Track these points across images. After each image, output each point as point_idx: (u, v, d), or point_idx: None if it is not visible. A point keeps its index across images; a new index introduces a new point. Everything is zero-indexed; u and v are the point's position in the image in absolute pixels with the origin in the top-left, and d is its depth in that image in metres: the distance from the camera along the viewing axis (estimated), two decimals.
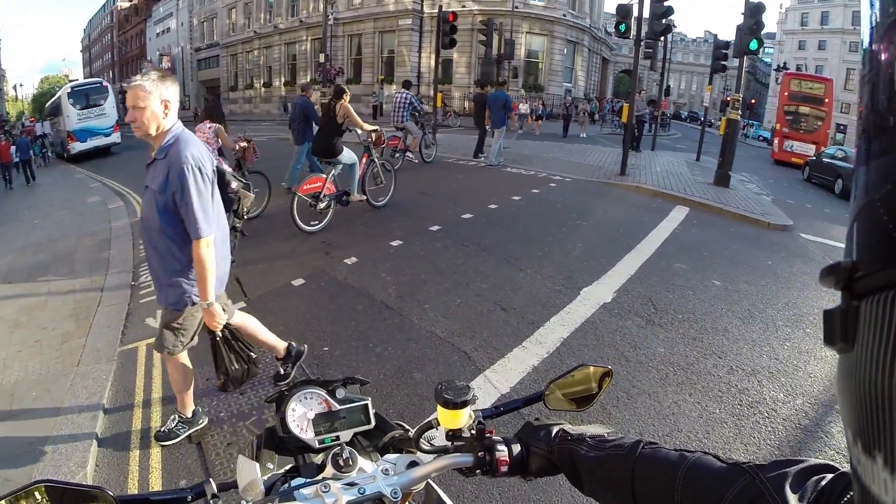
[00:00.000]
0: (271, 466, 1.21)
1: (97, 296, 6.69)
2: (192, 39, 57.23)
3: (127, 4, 75.10)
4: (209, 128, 8.60)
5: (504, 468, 1.03)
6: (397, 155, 11.51)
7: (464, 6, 32.28)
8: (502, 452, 1.04)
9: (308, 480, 1.09)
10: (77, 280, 7.49)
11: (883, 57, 0.37)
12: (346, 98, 7.85)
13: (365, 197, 8.39)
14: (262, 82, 47.36)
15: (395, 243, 7.21)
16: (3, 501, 0.92)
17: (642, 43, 13.15)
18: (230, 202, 3.96)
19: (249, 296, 5.42)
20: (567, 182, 10.87)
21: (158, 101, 3.04)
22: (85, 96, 25.92)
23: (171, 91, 3.09)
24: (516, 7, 29.76)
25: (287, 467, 1.20)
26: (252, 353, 3.55)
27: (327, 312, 5.37)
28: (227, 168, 4.47)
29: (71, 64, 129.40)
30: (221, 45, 51.55)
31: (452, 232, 7.54)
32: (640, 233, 7.83)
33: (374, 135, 8.26)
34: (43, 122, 37.64)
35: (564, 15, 33.53)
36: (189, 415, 3.66)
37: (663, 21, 12.72)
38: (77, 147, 24.51)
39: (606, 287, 5.54)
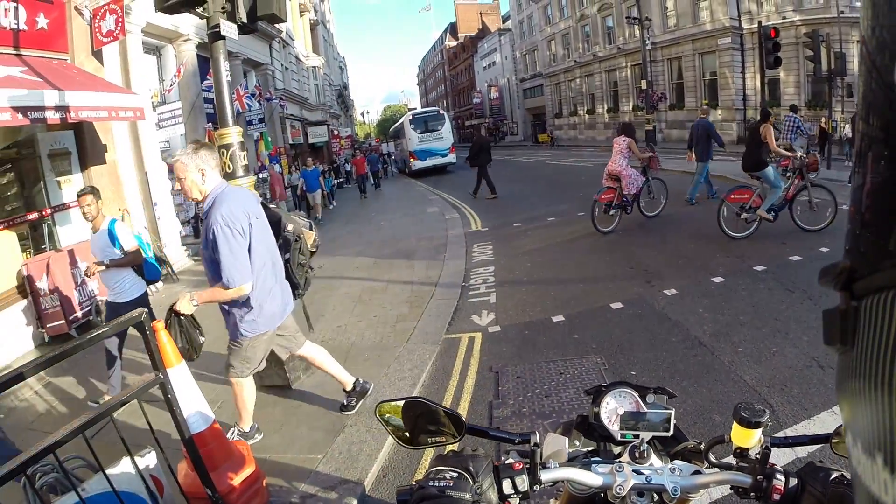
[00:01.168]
0: (578, 444, 1.36)
1: (430, 290, 7.83)
2: (517, 71, 60.73)
3: (454, 43, 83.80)
4: (623, 140, 10.63)
5: (777, 497, 1.09)
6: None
7: (784, 18, 28.84)
8: (779, 482, 1.10)
9: (605, 460, 1.25)
10: (415, 274, 8.82)
11: (878, 62, 0.37)
12: (772, 120, 9.20)
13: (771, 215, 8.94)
14: (585, 109, 48.20)
15: (716, 279, 7.16)
16: (384, 403, 1.26)
17: None
18: (288, 243, 4.47)
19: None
20: None
21: (196, 171, 3.52)
22: (424, 122, 30.13)
23: (205, 159, 3.56)
24: (842, 13, 25.75)
25: (589, 449, 1.35)
26: (199, 339, 3.80)
27: (640, 339, 5.61)
28: (283, 212, 4.96)
29: (409, 95, 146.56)
30: (544, 75, 53.78)
31: (778, 274, 7.16)
32: None
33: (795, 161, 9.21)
34: (388, 143, 44.67)
35: None
36: (247, 429, 4.23)
37: None
38: (417, 165, 28.54)
39: None
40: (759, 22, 18.22)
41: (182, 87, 13.86)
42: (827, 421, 3.97)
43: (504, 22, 71.47)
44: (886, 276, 0.37)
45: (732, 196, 8.90)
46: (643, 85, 25.31)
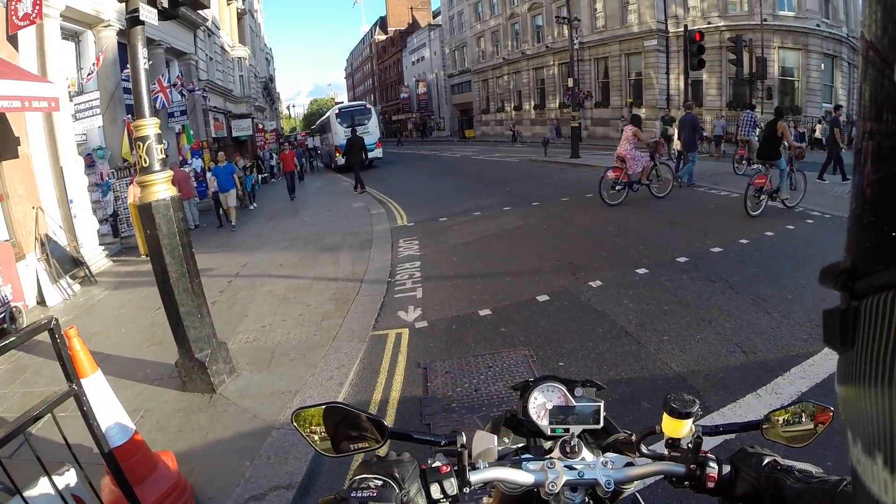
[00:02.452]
0: (507, 441, 1.35)
1: (356, 286, 7.70)
2: (445, 66, 61.24)
3: (384, 37, 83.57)
4: (630, 129, 12.33)
5: (711, 484, 1.10)
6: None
7: (709, 23, 30.27)
8: (713, 469, 1.10)
9: (536, 457, 1.22)
10: (340, 270, 8.65)
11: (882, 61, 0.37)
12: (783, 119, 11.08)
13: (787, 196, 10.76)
14: (512, 106, 49.11)
15: (640, 271, 7.33)
16: (301, 411, 1.18)
17: None
18: None
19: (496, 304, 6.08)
20: (826, 219, 9.95)
21: None
22: (351, 116, 29.87)
23: None
24: (765, 20, 27.17)
25: (518, 445, 1.34)
26: None
27: (567, 331, 5.68)
28: None
29: (336, 88, 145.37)
30: (472, 72, 54.38)
31: (700, 265, 7.42)
32: None
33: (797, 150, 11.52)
34: (313, 137, 44.12)
35: (818, 25, 29.36)
36: None
37: None
38: (343, 160, 27.93)
39: None
40: (685, 26, 18.98)
41: (101, 76, 12.96)
42: (752, 404, 4.10)
43: (434, 17, 71.71)
44: (887, 276, 0.37)
45: (756, 181, 10.30)
46: (570, 83, 25.73)
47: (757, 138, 14.85)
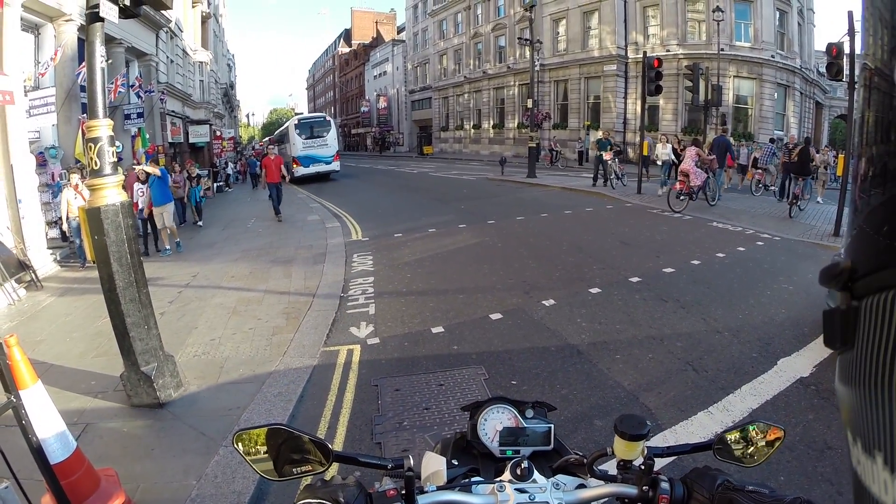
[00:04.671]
0: (456, 463, 1.32)
1: (309, 300, 7.57)
2: (407, 82, 61.33)
3: (347, 50, 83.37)
4: (693, 149, 14.70)
5: None
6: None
7: (668, 50, 31.19)
8: (665, 490, 1.09)
9: (486, 480, 1.20)
10: (292, 284, 8.49)
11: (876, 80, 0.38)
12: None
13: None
14: (471, 124, 49.34)
15: (593, 290, 7.38)
16: (243, 433, 1.13)
17: (857, 85, 11.93)
18: None
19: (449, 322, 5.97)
20: (776, 241, 10.24)
21: None
22: (310, 128, 29.57)
23: None
24: (722, 49, 28.13)
25: (468, 467, 1.30)
26: None
27: (520, 349, 5.66)
28: None
29: (297, 99, 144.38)
30: (434, 88, 54.60)
31: (653, 285, 7.53)
32: None
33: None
34: (271, 147, 43.41)
35: (773, 56, 30.52)
36: None
37: None
38: (300, 171, 27.80)
39: (806, 360, 5.12)
40: (644, 52, 19.38)
41: (59, 72, 12.53)
42: (704, 421, 4.15)
43: (399, 33, 71.85)
44: (886, 276, 0.37)
45: (795, 191, 13.37)
46: (529, 104, 26.04)
47: (775, 165, 17.82)
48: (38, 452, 2.57)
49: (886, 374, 0.35)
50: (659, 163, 18.81)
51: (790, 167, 14.80)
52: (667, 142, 18.86)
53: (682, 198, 14.09)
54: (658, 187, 17.68)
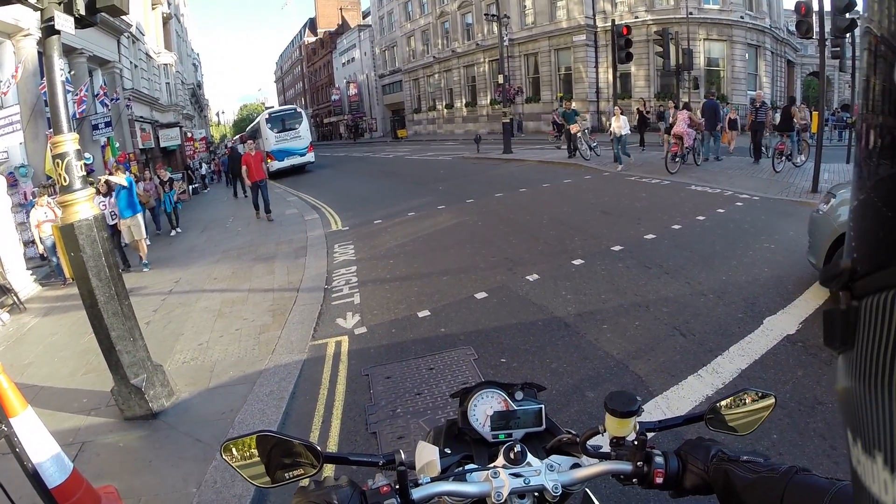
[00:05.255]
0: (449, 451, 1.30)
1: (293, 295, 7.54)
2: (376, 67, 60.82)
3: (313, 39, 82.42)
4: (685, 112, 15.51)
5: (659, 480, 1.09)
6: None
7: (637, 17, 31.15)
8: (659, 465, 1.10)
9: (480, 466, 1.19)
10: (276, 280, 8.45)
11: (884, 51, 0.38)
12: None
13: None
14: (444, 104, 49.14)
15: (577, 262, 7.40)
16: (231, 443, 1.12)
17: (827, 42, 11.98)
18: None
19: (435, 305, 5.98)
20: (755, 201, 10.29)
21: None
22: (281, 121, 29.19)
23: None
24: (690, 13, 28.17)
25: (462, 455, 1.30)
26: None
27: (507, 326, 5.67)
28: None
29: (266, 93, 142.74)
30: (403, 71, 54.21)
31: (635, 252, 7.55)
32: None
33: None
34: (244, 145, 42.87)
35: (742, 17, 30.65)
36: None
37: (846, 16, 11.27)
38: (275, 165, 27.42)
39: (792, 317, 5.14)
40: (613, 21, 19.48)
41: (21, 89, 12.26)
42: (694, 385, 4.18)
43: (364, 18, 70.99)
44: (887, 276, 0.37)
45: (778, 146, 14.14)
46: (500, 80, 25.90)
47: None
48: (34, 478, 2.55)
49: (886, 374, 0.35)
50: (613, 136, 16.86)
51: (759, 126, 15.27)
52: (621, 114, 16.85)
53: (676, 160, 14.75)
54: (616, 164, 16.51)
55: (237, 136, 55.07)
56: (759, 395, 1.19)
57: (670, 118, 17.14)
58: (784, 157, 14.06)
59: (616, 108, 17.77)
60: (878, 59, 0.38)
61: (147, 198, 13.86)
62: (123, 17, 13.05)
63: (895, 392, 0.34)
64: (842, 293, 0.42)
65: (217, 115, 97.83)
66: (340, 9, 78.16)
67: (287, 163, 27.93)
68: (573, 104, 22.89)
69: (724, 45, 31.58)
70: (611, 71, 18.78)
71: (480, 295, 6.63)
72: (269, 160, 27.32)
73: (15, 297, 8.89)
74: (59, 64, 4.42)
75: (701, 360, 4.51)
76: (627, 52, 16.84)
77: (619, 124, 16.45)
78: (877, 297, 0.38)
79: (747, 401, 1.20)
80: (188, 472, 3.85)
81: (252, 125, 39.59)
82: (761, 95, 17.15)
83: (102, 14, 4.79)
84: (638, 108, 21.85)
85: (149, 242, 12.80)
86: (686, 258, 7.15)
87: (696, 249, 7.50)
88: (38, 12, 4.29)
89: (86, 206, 4.44)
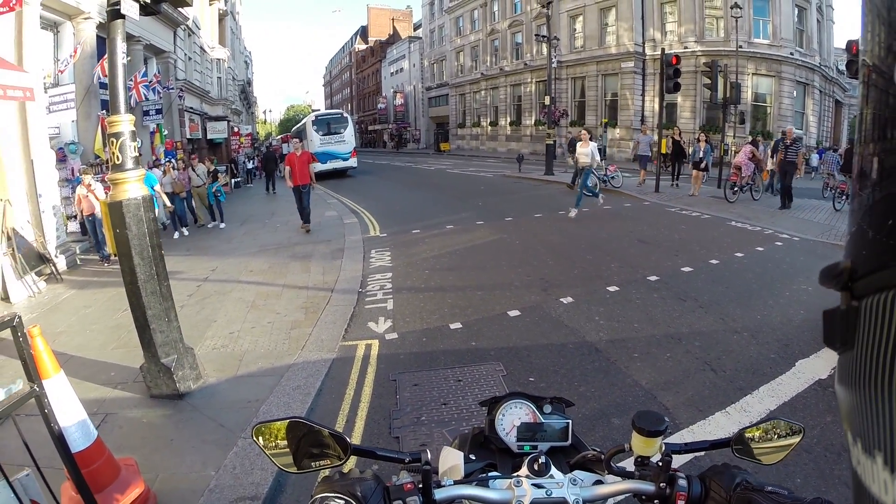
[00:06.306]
0: (473, 458, 1.33)
1: (327, 295, 7.61)
2: (424, 79, 61.20)
3: (364, 47, 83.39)
4: (748, 147, 16.31)
5: (681, 503, 1.09)
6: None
7: (686, 47, 30.78)
8: (682, 488, 1.09)
9: (503, 475, 1.20)
10: (311, 279, 8.55)
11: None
12: None
13: None
14: (488, 121, 49.18)
15: (611, 289, 7.37)
16: (262, 426, 1.15)
17: None
18: None
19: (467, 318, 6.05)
20: (795, 241, 10.15)
21: None
22: (327, 124, 29.48)
23: None
24: (740, 47, 27.77)
25: (486, 462, 1.32)
26: None
27: (537, 346, 5.66)
28: None
29: (314, 95, 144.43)
30: (450, 85, 54.43)
31: (671, 284, 7.49)
32: None
33: None
34: (289, 144, 43.50)
35: (791, 53, 29.93)
36: None
37: None
38: (317, 167, 27.48)
39: (825, 362, 5.01)
40: (662, 49, 19.16)
41: (77, 69, 12.71)
42: (721, 421, 4.12)
43: (415, 30, 71.76)
44: (887, 276, 0.37)
45: (840, 186, 14.61)
46: (546, 101, 25.91)
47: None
48: (59, 441, 2.60)
49: (886, 375, 0.35)
50: (577, 166, 14.55)
51: (789, 167, 14.64)
52: (589, 139, 13.87)
53: (734, 189, 15.41)
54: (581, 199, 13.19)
55: (280, 136, 55.86)
56: (789, 425, 1.18)
57: (699, 153, 17.14)
58: (844, 197, 14.20)
59: (583, 131, 14.72)
60: (871, 89, 0.40)
61: (181, 188, 14.05)
62: (182, 9, 13.40)
63: (895, 392, 0.35)
64: (842, 293, 0.43)
65: (264, 113, 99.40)
66: (392, 19, 79.21)
67: (329, 166, 28.23)
68: (617, 130, 22.71)
69: (773, 81, 30.96)
70: (657, 100, 18.63)
71: (514, 313, 6.64)
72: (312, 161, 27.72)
73: (53, 267, 9.20)
74: (121, 47, 4.58)
75: (730, 398, 4.45)
76: (676, 82, 16.66)
77: (585, 151, 13.36)
78: (877, 298, 0.38)
79: (776, 431, 1.19)
80: (208, 455, 3.91)
81: (297, 126, 40.24)
82: (792, 132, 15.56)
83: (163, 4, 4.97)
84: (672, 137, 21.41)
85: (186, 234, 13.19)
86: (721, 294, 7.07)
87: (732, 286, 7.41)
88: None
89: (135, 186, 4.58)
